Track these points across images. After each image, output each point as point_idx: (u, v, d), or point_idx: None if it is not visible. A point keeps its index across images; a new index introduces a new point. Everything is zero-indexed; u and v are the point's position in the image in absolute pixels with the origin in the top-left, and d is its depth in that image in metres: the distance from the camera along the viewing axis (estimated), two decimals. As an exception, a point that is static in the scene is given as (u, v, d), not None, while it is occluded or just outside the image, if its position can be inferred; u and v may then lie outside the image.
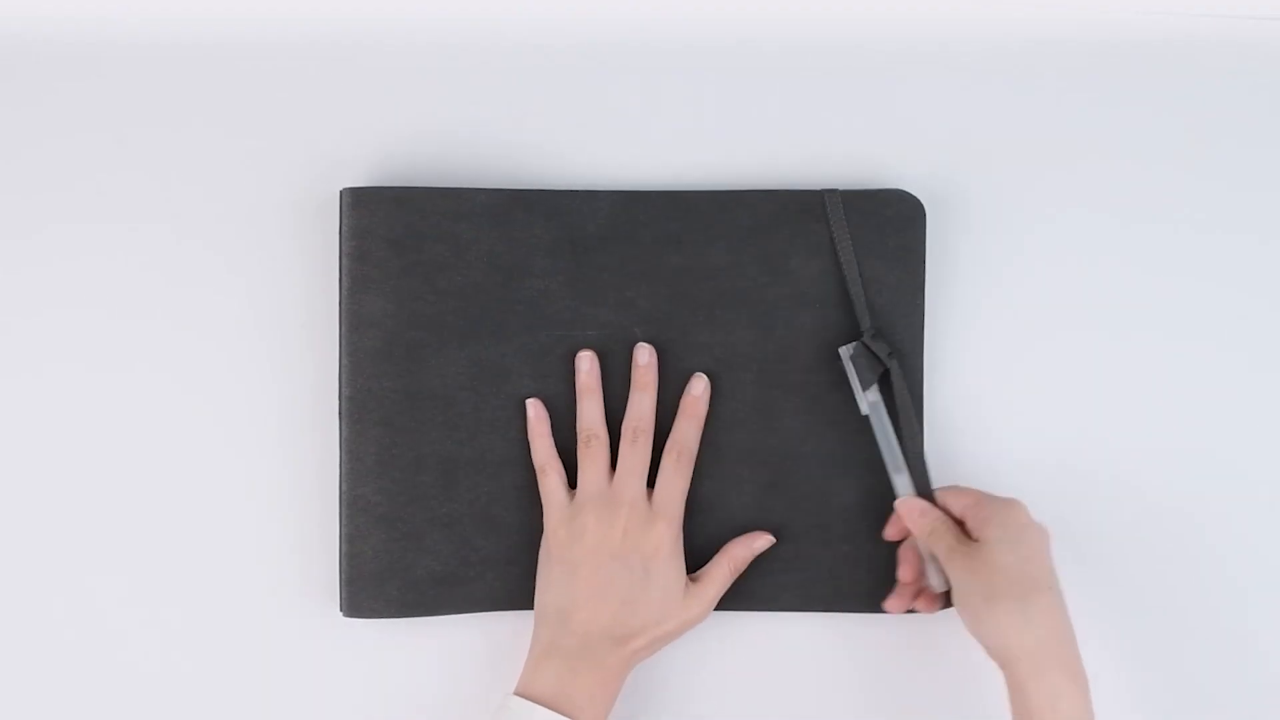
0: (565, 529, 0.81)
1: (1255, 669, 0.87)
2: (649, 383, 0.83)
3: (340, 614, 0.84)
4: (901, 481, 0.82)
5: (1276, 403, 0.87)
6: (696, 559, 0.84)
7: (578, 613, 0.79)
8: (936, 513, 0.81)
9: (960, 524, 0.80)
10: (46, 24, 0.85)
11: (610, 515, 0.81)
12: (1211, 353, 0.87)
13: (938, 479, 0.84)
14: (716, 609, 0.84)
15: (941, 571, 0.80)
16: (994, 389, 0.86)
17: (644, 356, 0.83)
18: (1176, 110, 0.87)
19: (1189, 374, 0.87)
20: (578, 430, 0.83)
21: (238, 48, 0.86)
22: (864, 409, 0.82)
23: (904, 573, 0.83)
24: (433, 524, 0.83)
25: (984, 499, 0.80)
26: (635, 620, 0.80)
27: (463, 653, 0.85)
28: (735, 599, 0.84)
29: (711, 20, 0.87)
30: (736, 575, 0.83)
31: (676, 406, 0.84)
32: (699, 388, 0.83)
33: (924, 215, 0.84)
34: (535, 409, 0.83)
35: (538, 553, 0.83)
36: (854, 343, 0.82)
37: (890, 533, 0.83)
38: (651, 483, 0.83)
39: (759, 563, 0.84)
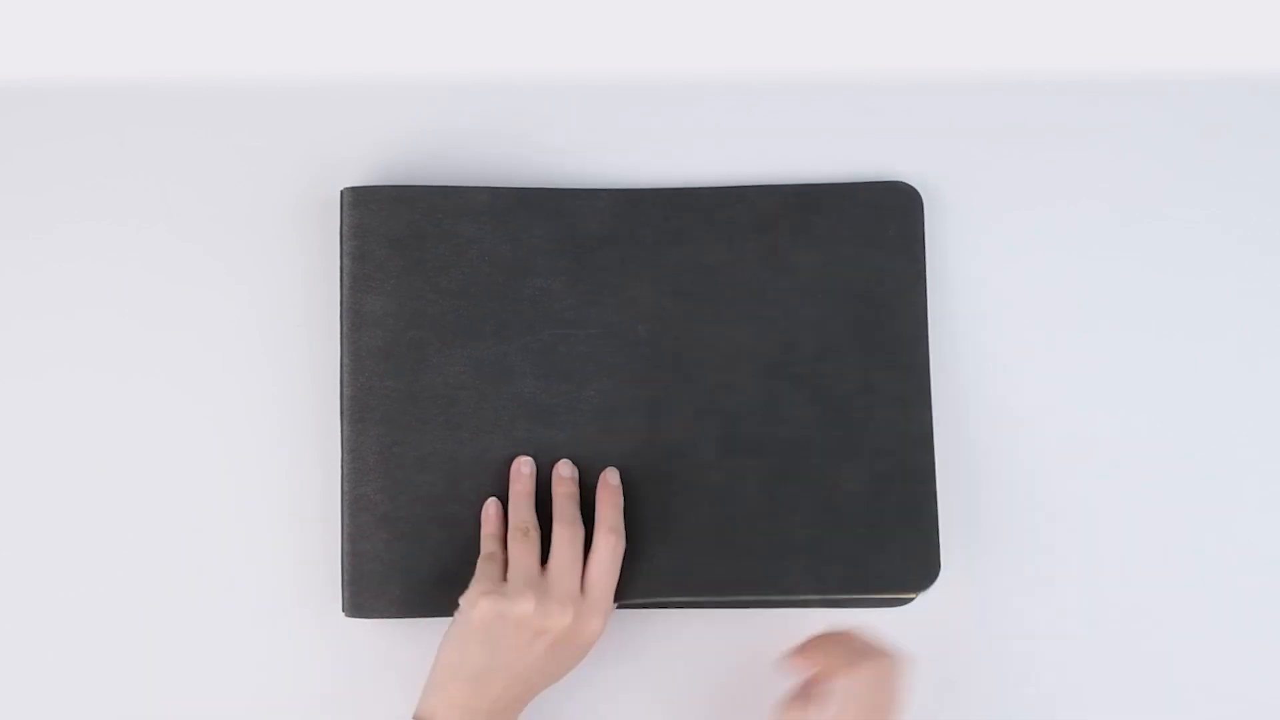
0: (501, 603, 0.78)
1: (1250, 665, 0.87)
2: (573, 493, 0.83)
3: (342, 614, 0.83)
4: None
5: (1275, 398, 0.88)
6: (705, 549, 0.84)
7: (496, 680, 0.78)
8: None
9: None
10: (46, 23, 0.85)
11: (548, 607, 0.78)
12: (1210, 346, 0.87)
13: (945, 465, 0.85)
14: (723, 605, 0.85)
15: None
16: (998, 376, 0.87)
17: (565, 470, 0.83)
18: (1176, 104, 0.88)
19: (1188, 366, 0.87)
20: (511, 523, 0.82)
21: (238, 47, 0.86)
22: None
23: None
24: (435, 524, 0.83)
25: (834, 666, 0.76)
26: (544, 689, 0.80)
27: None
28: (747, 584, 0.84)
29: (711, 18, 0.87)
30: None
31: (678, 412, 0.84)
32: (614, 478, 0.83)
33: (921, 204, 0.85)
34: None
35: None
36: None
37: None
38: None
39: (769, 547, 0.84)
